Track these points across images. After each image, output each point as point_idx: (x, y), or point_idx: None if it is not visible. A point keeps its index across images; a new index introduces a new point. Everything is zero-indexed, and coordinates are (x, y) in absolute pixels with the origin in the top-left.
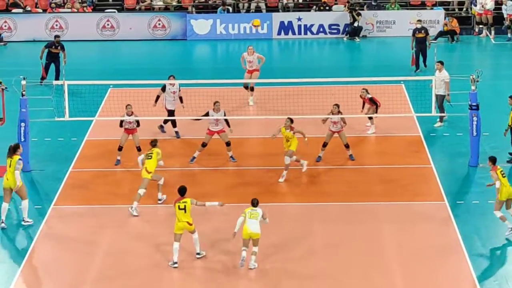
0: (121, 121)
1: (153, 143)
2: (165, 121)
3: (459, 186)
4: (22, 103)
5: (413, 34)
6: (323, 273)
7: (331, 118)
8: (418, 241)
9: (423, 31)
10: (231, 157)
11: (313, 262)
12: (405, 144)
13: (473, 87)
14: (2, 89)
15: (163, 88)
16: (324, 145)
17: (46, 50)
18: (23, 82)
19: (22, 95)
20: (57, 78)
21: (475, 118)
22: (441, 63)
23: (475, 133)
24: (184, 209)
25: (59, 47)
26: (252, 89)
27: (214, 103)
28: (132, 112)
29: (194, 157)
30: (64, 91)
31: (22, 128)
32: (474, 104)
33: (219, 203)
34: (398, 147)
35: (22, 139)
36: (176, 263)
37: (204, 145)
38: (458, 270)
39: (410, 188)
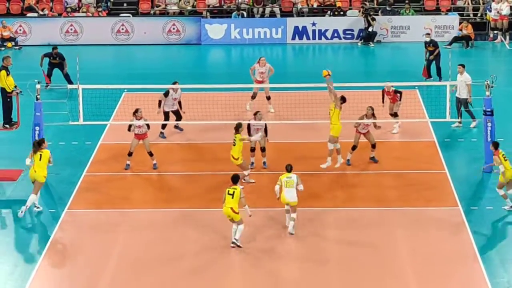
0: (130, 126)
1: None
2: (164, 126)
3: (473, 192)
4: (36, 107)
5: (425, 46)
6: (337, 277)
7: (365, 122)
8: (432, 247)
9: (431, 45)
10: (263, 162)
11: (326, 267)
12: (420, 150)
13: (487, 93)
14: (17, 93)
15: (166, 94)
16: (353, 148)
17: (46, 59)
18: (38, 86)
19: (37, 99)
20: (69, 83)
21: (489, 124)
22: (463, 66)
23: (489, 139)
24: (233, 195)
25: (57, 58)
26: (268, 97)
27: (256, 113)
28: (141, 117)
29: (252, 162)
30: (78, 95)
31: (37, 132)
32: (489, 109)
33: (250, 213)
34: (413, 152)
35: None
36: (234, 241)
37: (253, 149)
38: (471, 276)
39: (424, 193)
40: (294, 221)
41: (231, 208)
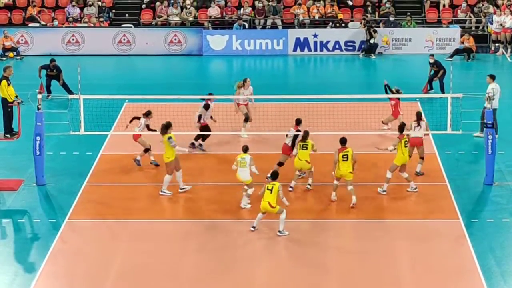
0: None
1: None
2: (197, 137)
3: (473, 204)
4: (37, 117)
5: (430, 66)
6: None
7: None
8: (432, 259)
9: (435, 66)
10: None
11: (326, 277)
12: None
13: (488, 105)
14: (18, 103)
15: (207, 107)
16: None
17: (43, 71)
18: (39, 96)
19: (38, 109)
20: (69, 93)
21: (490, 136)
22: (491, 77)
23: (490, 151)
24: (271, 190)
25: (54, 70)
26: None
27: (297, 121)
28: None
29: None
30: (79, 105)
31: (38, 142)
32: (490, 122)
33: (287, 203)
34: (413, 164)
35: (37, 153)
36: (254, 227)
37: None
38: None
39: (425, 205)
40: (248, 197)
41: (269, 203)
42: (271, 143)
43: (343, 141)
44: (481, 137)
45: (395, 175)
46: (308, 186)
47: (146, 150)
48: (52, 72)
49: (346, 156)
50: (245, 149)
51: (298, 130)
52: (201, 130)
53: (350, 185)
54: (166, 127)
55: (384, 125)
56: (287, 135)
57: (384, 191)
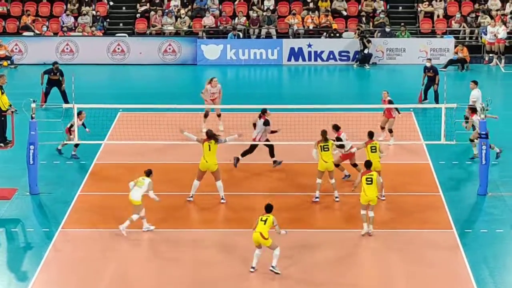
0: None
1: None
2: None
3: (467, 215)
4: (31, 126)
5: (424, 71)
6: None
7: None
8: (426, 269)
9: (431, 71)
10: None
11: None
12: (414, 172)
13: (482, 116)
14: (12, 112)
15: (267, 123)
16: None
17: (46, 76)
18: (33, 105)
19: (32, 118)
20: (66, 102)
21: (484, 147)
22: (475, 82)
23: (484, 162)
24: (265, 221)
25: (57, 74)
26: (219, 115)
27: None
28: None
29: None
30: (73, 115)
31: (31, 151)
32: (484, 132)
33: (286, 232)
34: (407, 174)
35: (31, 162)
36: (253, 267)
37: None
38: None
39: (418, 216)
40: (132, 222)
41: (261, 233)
42: (264, 152)
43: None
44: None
45: (394, 186)
46: (336, 199)
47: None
48: (55, 76)
49: (370, 179)
50: (148, 173)
51: (266, 120)
52: (251, 146)
53: (372, 211)
54: (212, 135)
55: (381, 132)
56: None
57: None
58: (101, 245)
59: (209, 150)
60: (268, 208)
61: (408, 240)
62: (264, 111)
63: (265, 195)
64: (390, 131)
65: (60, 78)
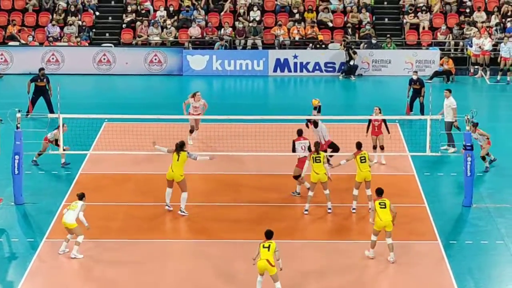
0: None
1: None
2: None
3: (452, 226)
4: (16, 135)
5: (410, 84)
6: None
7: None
8: (411, 280)
9: (418, 83)
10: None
11: None
12: (399, 183)
13: (467, 128)
14: None
15: (316, 125)
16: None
17: (32, 84)
18: (18, 115)
19: (17, 127)
20: (51, 112)
21: (469, 158)
22: (449, 90)
23: (469, 173)
24: (268, 247)
25: (44, 80)
26: (192, 131)
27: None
28: None
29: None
30: (58, 125)
31: (16, 161)
32: (469, 144)
33: (281, 266)
34: (392, 186)
35: (16, 171)
36: None
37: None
38: None
39: (403, 227)
40: (78, 245)
41: (267, 260)
42: (248, 162)
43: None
44: (446, 150)
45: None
46: (329, 210)
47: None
48: (42, 82)
49: (384, 203)
50: (81, 196)
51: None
52: (329, 147)
53: (390, 237)
54: (181, 146)
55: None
56: None
57: (353, 209)
58: (86, 255)
59: (177, 160)
60: (269, 234)
61: (393, 251)
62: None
63: (253, 206)
64: (382, 147)
65: (47, 85)
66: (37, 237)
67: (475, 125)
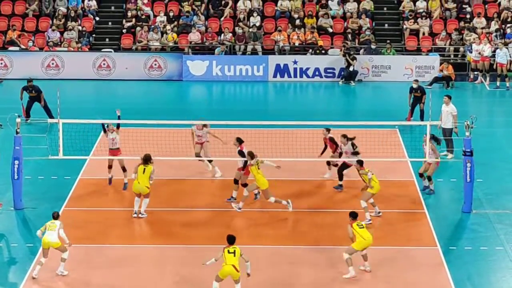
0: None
1: None
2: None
3: (451, 232)
4: (16, 140)
5: (410, 92)
6: None
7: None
8: (410, 287)
9: (419, 91)
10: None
11: None
12: (399, 189)
13: (467, 133)
14: None
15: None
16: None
17: (25, 92)
18: (18, 120)
19: (17, 132)
20: (50, 117)
21: (468, 164)
22: (449, 97)
23: (468, 179)
24: (234, 253)
25: (33, 91)
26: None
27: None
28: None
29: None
30: (58, 130)
31: (16, 166)
32: (468, 150)
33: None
34: (392, 191)
35: (16, 176)
36: None
37: (236, 181)
38: None
39: (403, 233)
40: (64, 261)
41: (234, 266)
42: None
43: (353, 215)
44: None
45: (378, 203)
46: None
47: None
48: (32, 93)
49: (361, 225)
50: (56, 216)
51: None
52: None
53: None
54: (147, 159)
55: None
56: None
57: (369, 220)
58: (86, 260)
59: (143, 173)
60: (232, 239)
61: (392, 257)
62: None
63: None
64: (328, 163)
65: (39, 95)
66: (36, 242)
67: (437, 140)
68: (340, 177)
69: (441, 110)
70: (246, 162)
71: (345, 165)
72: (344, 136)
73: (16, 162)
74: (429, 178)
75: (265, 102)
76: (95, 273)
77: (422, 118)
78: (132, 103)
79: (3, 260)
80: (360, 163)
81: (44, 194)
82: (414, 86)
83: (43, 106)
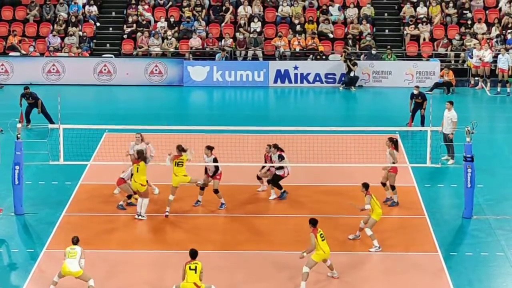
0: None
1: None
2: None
3: (452, 238)
4: (17, 146)
5: (411, 98)
6: None
7: None
8: None
9: (420, 97)
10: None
11: None
12: (400, 195)
13: (468, 139)
14: None
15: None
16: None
17: (23, 99)
18: (19, 125)
19: (17, 138)
20: (51, 122)
21: (469, 170)
22: (451, 103)
23: (469, 185)
24: (195, 269)
25: (30, 98)
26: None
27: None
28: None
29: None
30: (59, 135)
31: (17, 171)
32: (469, 155)
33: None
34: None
35: (16, 182)
36: None
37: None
38: None
39: (403, 238)
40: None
41: (195, 284)
42: (248, 174)
43: (313, 222)
44: (446, 161)
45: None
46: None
47: (129, 196)
48: (29, 100)
49: (322, 235)
50: (76, 241)
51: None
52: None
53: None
54: (139, 157)
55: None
56: None
57: (379, 247)
58: (86, 266)
59: (137, 171)
60: (194, 254)
61: (393, 262)
62: None
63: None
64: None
65: (36, 102)
66: (37, 247)
67: (394, 142)
68: (279, 186)
69: (443, 115)
70: (217, 169)
71: (278, 177)
72: (275, 146)
73: (17, 167)
74: (392, 188)
75: (266, 108)
76: (95, 278)
77: (422, 124)
78: (133, 109)
79: (3, 266)
80: (366, 186)
81: (45, 199)
82: (415, 92)
83: (39, 113)
